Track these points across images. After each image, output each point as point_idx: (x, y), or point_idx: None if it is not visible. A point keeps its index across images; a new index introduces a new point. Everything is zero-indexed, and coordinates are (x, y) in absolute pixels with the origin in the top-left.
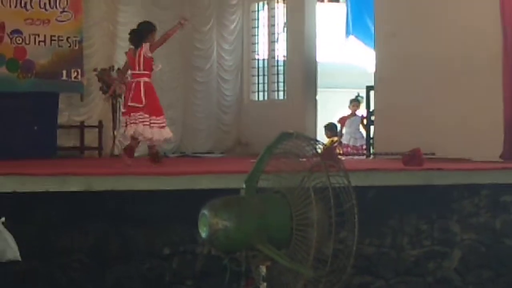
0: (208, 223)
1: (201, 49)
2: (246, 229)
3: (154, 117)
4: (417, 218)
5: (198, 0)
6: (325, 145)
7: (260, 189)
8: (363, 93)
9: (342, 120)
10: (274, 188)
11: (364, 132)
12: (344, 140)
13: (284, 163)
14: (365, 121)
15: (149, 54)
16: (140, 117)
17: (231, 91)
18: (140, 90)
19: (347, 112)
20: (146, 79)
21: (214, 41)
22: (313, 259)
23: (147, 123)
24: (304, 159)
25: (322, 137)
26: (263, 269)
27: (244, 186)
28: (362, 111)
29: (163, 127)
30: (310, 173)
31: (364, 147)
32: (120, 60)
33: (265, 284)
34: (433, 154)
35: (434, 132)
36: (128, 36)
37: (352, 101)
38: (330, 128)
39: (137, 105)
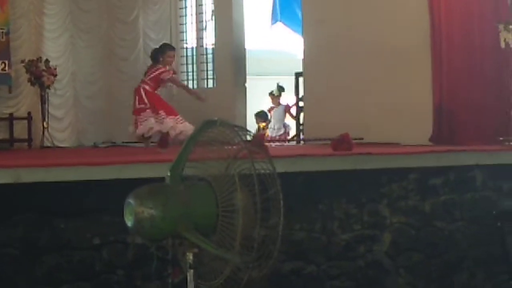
0: (134, 211)
1: (126, 39)
2: (172, 216)
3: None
4: (346, 202)
5: None
6: (254, 132)
7: (186, 177)
8: (292, 80)
9: (270, 110)
10: (199, 176)
11: (287, 121)
12: (269, 131)
13: (210, 150)
14: (291, 110)
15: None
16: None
17: None
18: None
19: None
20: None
21: (140, 30)
22: (239, 245)
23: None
24: (229, 147)
25: (253, 124)
26: (190, 257)
27: (169, 174)
28: (287, 100)
29: None
30: (234, 160)
31: (288, 137)
32: (48, 51)
33: (192, 271)
34: (362, 139)
35: (363, 117)
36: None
37: (269, 94)
38: (261, 116)
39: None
